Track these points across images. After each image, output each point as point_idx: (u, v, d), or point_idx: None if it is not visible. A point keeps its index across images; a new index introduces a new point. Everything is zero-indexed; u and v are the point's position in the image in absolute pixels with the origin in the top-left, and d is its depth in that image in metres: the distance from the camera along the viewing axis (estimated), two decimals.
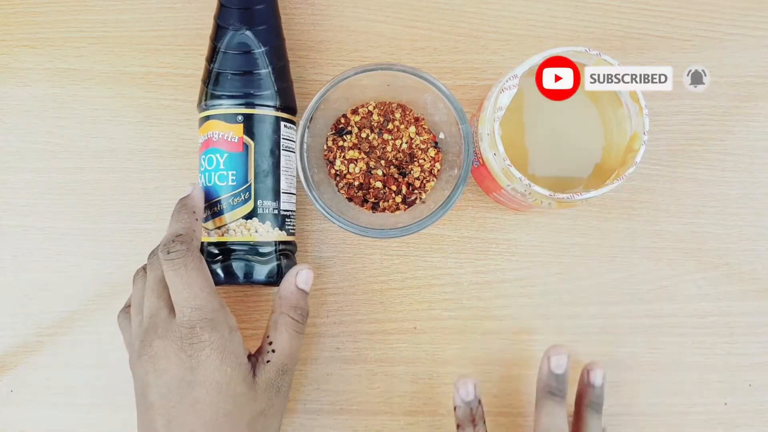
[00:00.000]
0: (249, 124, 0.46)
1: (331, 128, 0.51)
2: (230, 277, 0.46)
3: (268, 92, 0.46)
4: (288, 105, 0.48)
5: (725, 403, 0.51)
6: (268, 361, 0.43)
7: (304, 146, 0.45)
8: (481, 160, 0.44)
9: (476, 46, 0.53)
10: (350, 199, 0.50)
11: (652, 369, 0.52)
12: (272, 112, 0.46)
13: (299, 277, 0.46)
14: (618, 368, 0.51)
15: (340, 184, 0.50)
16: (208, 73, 0.47)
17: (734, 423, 0.51)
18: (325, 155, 0.50)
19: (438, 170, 0.50)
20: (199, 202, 0.45)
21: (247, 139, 0.45)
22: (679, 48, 0.53)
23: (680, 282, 0.52)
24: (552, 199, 0.41)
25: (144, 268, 0.46)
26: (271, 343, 0.44)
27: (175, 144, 0.53)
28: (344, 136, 0.50)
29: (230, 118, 0.45)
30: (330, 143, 0.50)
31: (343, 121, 0.50)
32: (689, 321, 0.52)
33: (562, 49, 0.42)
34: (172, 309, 0.42)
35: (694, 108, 0.53)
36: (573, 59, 0.43)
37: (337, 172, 0.50)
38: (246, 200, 0.45)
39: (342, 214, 0.45)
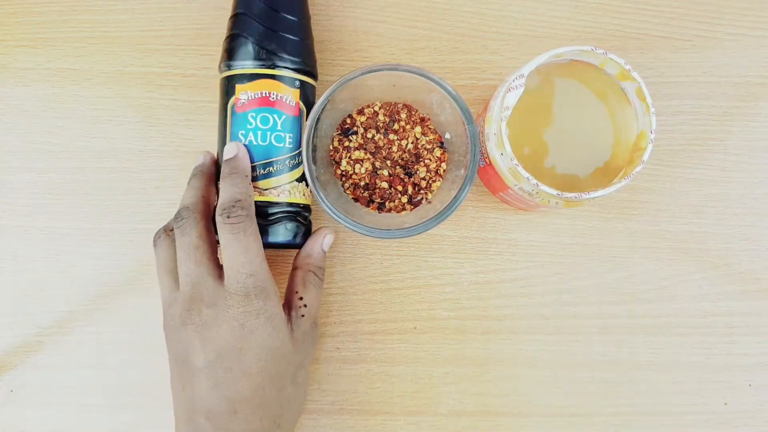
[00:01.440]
0: (303, 90, 0.44)
1: (337, 129, 0.47)
2: (278, 237, 0.43)
3: (313, 62, 0.45)
4: (317, 77, 0.46)
5: (725, 403, 0.48)
6: (302, 315, 0.42)
7: (311, 146, 0.41)
8: (487, 160, 0.40)
9: (476, 46, 0.49)
10: (356, 200, 0.46)
11: (652, 369, 0.48)
12: (314, 82, 0.45)
13: (326, 240, 0.45)
14: (618, 368, 0.48)
15: (346, 185, 0.46)
16: (268, 31, 0.42)
17: (734, 423, 0.48)
18: (331, 156, 0.47)
19: (444, 170, 0.46)
20: (248, 165, 0.42)
21: (302, 104, 0.43)
22: (679, 48, 0.49)
23: (680, 282, 0.48)
24: (560, 198, 0.37)
25: (165, 230, 0.43)
26: (302, 299, 0.43)
27: (175, 144, 0.49)
28: (350, 137, 0.46)
29: (290, 82, 0.43)
30: (336, 144, 0.46)
31: (348, 121, 0.47)
32: (689, 321, 0.48)
33: (568, 48, 0.38)
34: (215, 276, 0.39)
35: (694, 108, 0.49)
36: (579, 58, 0.39)
37: (343, 173, 0.46)
38: (299, 164, 0.44)
39: (348, 214, 0.41)
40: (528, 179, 0.36)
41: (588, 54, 0.38)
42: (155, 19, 0.49)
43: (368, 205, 0.46)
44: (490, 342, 0.48)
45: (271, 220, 0.43)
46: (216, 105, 0.45)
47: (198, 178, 0.43)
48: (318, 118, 0.42)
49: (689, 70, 0.49)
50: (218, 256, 0.42)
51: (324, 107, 0.41)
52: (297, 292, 0.43)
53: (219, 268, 0.40)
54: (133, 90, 0.49)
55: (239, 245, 0.38)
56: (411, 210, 0.46)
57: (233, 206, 0.39)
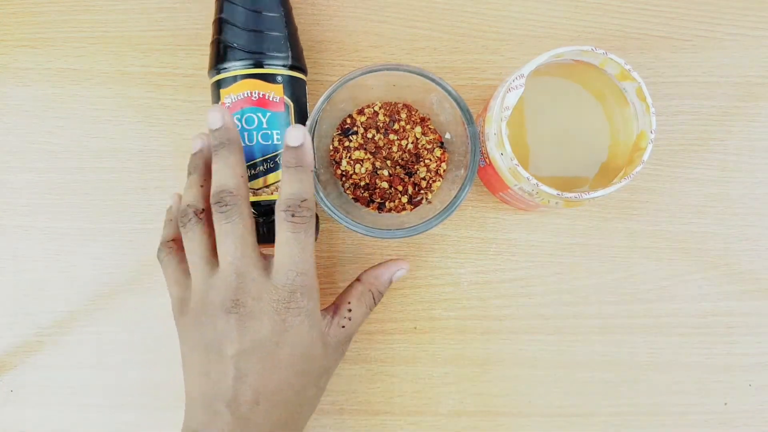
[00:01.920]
0: (287, 85, 0.43)
1: (337, 129, 0.46)
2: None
3: (299, 55, 0.44)
4: (306, 70, 0.45)
5: (725, 403, 0.47)
6: (343, 326, 0.41)
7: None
8: (487, 160, 0.40)
9: (476, 46, 0.48)
10: (356, 200, 0.46)
11: (652, 369, 0.47)
12: (302, 75, 0.44)
13: (397, 273, 0.45)
14: (618, 368, 0.47)
15: (346, 185, 0.46)
16: (243, 31, 0.42)
17: (734, 423, 0.47)
18: (331, 156, 0.46)
19: (444, 170, 0.46)
20: (312, 158, 0.40)
21: (287, 99, 0.43)
22: (679, 48, 0.48)
23: (680, 282, 0.48)
24: (560, 198, 0.36)
25: (197, 214, 0.39)
26: (350, 311, 0.42)
27: (175, 144, 0.48)
28: (350, 137, 0.46)
29: (270, 78, 0.42)
30: (336, 144, 0.46)
31: (348, 121, 0.46)
32: (689, 321, 0.48)
33: (568, 48, 0.37)
34: (261, 267, 0.38)
35: (694, 108, 0.48)
36: (579, 58, 0.39)
37: (343, 173, 0.46)
38: None
39: (348, 214, 0.41)
40: (528, 179, 0.36)
41: (588, 54, 0.38)
42: (155, 19, 0.49)
43: (368, 205, 0.46)
44: (490, 342, 0.48)
45: (271, 219, 0.42)
46: None
47: (229, 152, 0.39)
48: (318, 119, 0.41)
49: (689, 70, 0.48)
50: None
51: (323, 107, 0.41)
52: (349, 303, 0.42)
53: (262, 257, 0.39)
54: (133, 90, 0.49)
55: (298, 245, 0.37)
56: (411, 210, 0.46)
57: (299, 206, 0.37)
